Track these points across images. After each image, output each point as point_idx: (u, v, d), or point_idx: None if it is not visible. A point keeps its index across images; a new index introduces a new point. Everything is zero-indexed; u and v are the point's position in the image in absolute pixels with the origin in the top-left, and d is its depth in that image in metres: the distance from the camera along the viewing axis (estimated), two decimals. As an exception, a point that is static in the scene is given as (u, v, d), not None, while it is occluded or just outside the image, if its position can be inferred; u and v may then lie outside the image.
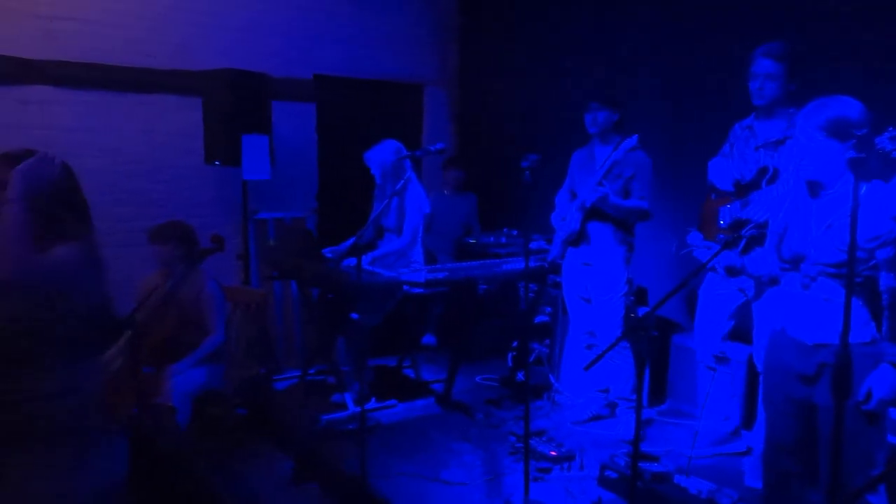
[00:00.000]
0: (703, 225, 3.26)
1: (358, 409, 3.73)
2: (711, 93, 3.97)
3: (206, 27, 4.70)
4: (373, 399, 4.00)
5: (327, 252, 4.04)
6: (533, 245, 4.54)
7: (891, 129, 2.03)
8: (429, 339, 5.07)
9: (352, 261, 3.28)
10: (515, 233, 4.88)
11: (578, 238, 3.67)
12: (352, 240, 4.17)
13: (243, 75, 4.35)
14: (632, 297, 3.90)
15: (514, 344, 4.49)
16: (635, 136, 3.47)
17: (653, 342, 3.86)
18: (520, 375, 4.30)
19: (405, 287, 3.74)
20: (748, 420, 3.50)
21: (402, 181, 3.78)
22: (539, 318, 4.39)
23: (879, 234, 1.98)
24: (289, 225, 4.97)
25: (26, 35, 4.09)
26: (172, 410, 3.20)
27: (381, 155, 3.97)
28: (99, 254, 1.64)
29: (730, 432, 3.42)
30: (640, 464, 2.78)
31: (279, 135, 4.63)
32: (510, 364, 4.46)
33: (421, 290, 3.80)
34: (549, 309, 4.38)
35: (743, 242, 2.93)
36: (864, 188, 1.97)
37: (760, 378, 3.20)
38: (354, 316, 3.84)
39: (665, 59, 4.33)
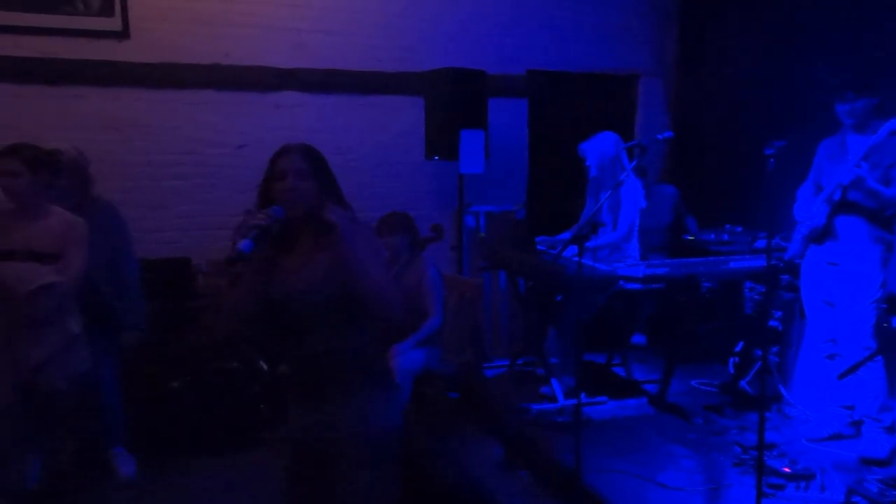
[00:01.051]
0: None
1: (568, 401, 3.73)
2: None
3: (428, 31, 4.98)
4: (582, 394, 3.95)
5: (540, 241, 4.05)
6: (761, 243, 4.18)
7: None
8: (638, 338, 4.88)
9: (570, 252, 3.27)
10: (739, 229, 4.52)
11: (823, 234, 3.29)
12: (567, 233, 4.16)
13: (463, 73, 4.51)
14: (884, 305, 3.42)
15: (738, 349, 4.16)
16: None
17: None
18: (742, 383, 3.98)
19: (620, 282, 3.65)
20: None
21: (625, 173, 3.66)
22: (769, 323, 4.02)
23: None
24: (501, 217, 5.08)
25: (281, 47, 4.64)
26: (397, 388, 3.44)
27: (601, 146, 3.89)
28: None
29: None
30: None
31: (492, 130, 4.75)
32: (732, 370, 4.14)
33: (637, 286, 3.68)
34: (780, 313, 3.99)
35: None
36: None
37: None
38: (568, 309, 3.82)
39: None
